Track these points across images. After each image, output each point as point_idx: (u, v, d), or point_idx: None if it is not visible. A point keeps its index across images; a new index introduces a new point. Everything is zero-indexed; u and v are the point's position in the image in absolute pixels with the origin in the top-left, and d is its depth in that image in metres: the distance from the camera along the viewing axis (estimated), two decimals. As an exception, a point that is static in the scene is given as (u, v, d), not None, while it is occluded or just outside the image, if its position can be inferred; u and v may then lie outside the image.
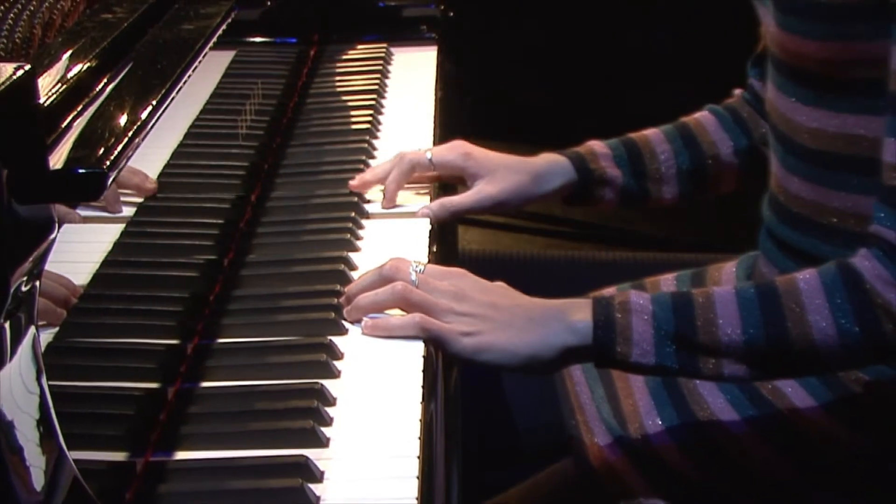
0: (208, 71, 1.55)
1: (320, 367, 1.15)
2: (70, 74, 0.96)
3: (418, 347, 1.19)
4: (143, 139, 0.99)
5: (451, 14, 2.12)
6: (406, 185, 1.51)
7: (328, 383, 1.12)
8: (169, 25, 1.24)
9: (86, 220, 1.10)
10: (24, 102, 0.81)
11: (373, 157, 1.65)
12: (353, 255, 1.37)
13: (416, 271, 1.22)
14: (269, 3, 1.93)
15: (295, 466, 0.99)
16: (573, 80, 2.48)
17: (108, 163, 0.89)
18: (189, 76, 1.16)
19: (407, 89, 1.90)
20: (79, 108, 0.92)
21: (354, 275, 1.31)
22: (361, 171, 1.57)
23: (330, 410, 1.09)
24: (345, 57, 2.03)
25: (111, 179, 0.89)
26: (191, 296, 1.23)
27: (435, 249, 1.39)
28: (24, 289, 0.82)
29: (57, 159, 0.85)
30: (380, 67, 1.97)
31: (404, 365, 1.16)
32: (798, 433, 1.31)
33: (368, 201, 1.51)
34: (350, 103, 1.83)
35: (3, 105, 0.77)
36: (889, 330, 1.15)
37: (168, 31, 1.23)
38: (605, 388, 1.41)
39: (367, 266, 1.29)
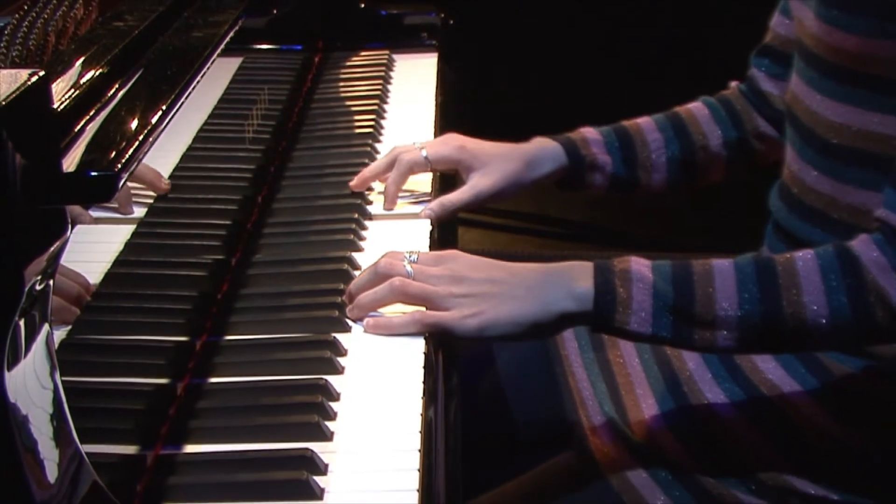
0: (216, 77, 1.55)
1: (324, 364, 1.15)
2: (83, 80, 0.96)
3: (419, 344, 1.19)
4: (153, 143, 0.99)
5: (451, 22, 2.12)
6: (406, 187, 1.51)
7: (332, 379, 1.12)
8: (178, 33, 1.24)
9: (98, 220, 1.10)
10: (39, 107, 0.81)
11: (375, 160, 1.65)
12: (356, 255, 1.37)
13: (410, 262, 1.22)
14: (275, 12, 1.93)
15: (300, 459, 0.99)
16: (570, 86, 2.48)
17: (119, 165, 0.89)
18: (198, 82, 1.16)
19: (408, 94, 1.90)
20: (91, 113, 0.92)
21: (357, 274, 1.31)
22: (365, 173, 1.58)
23: (334, 405, 1.09)
24: (348, 63, 2.03)
25: (123, 182, 0.89)
26: (199, 294, 1.23)
27: (436, 249, 1.39)
28: (38, 287, 0.82)
29: (70, 162, 0.85)
30: (382, 73, 1.97)
31: (406, 361, 1.16)
32: (785, 421, 1.31)
33: (370, 203, 1.51)
34: (353, 108, 1.83)
35: (19, 110, 0.77)
36: (880, 315, 1.15)
37: (177, 38, 1.23)
38: (607, 383, 1.41)
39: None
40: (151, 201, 1.29)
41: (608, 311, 1.18)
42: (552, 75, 2.53)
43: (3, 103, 0.76)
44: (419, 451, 1.02)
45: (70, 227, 0.86)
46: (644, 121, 1.55)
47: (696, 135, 1.54)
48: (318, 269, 1.34)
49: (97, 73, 0.98)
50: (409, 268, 1.21)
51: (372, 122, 1.76)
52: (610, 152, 1.51)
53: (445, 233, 1.45)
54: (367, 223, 1.46)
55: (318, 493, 0.96)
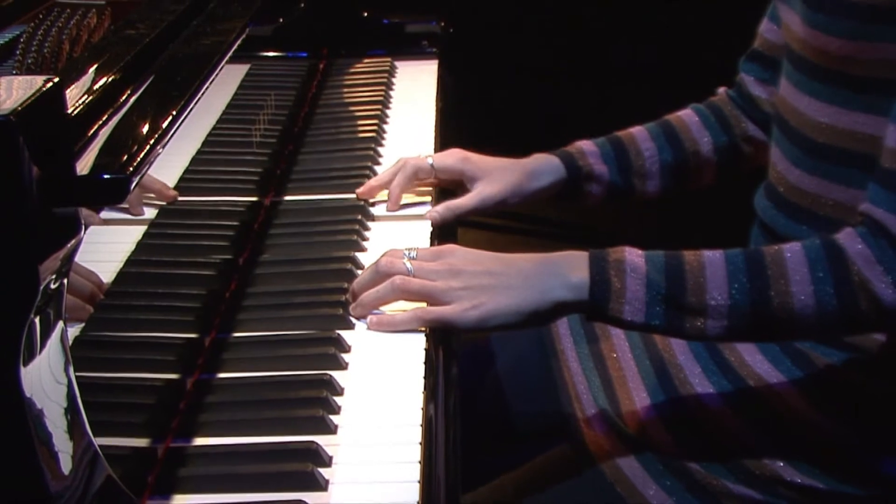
0: (224, 83, 1.55)
1: (329, 360, 1.15)
2: (96, 86, 0.96)
3: (420, 340, 1.19)
4: (163, 147, 0.99)
5: (451, 30, 2.12)
6: (409, 191, 1.51)
7: (336, 374, 1.12)
8: (188, 41, 1.24)
9: (110, 221, 1.10)
10: (53, 112, 0.81)
11: (378, 163, 1.65)
12: (359, 255, 1.37)
13: (409, 259, 1.22)
14: (281, 20, 1.93)
15: (305, 452, 1.00)
16: (566, 90, 2.48)
17: (131, 169, 0.89)
18: (206, 88, 1.16)
19: (410, 100, 1.90)
20: (104, 118, 0.92)
21: (360, 273, 1.31)
22: (367, 176, 1.58)
23: (338, 400, 1.09)
24: (352, 70, 2.03)
25: (134, 184, 0.89)
26: (208, 293, 1.23)
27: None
28: (52, 286, 0.82)
29: (84, 165, 0.85)
30: (384, 80, 1.97)
31: (407, 357, 1.16)
32: (772, 412, 1.31)
33: (373, 204, 1.51)
34: (357, 113, 1.83)
35: (34, 115, 0.77)
36: (865, 306, 1.15)
37: (187, 46, 1.23)
38: (601, 377, 1.41)
39: (373, 265, 1.29)
40: (162, 203, 1.29)
41: (603, 300, 1.18)
42: (548, 81, 2.53)
43: (19, 109, 0.76)
44: (420, 443, 1.02)
45: (83, 227, 0.86)
46: (637, 130, 1.55)
47: (688, 141, 1.54)
48: (322, 268, 1.34)
49: (110, 80, 0.98)
50: (408, 265, 1.22)
51: (374, 127, 1.76)
52: (606, 162, 1.51)
53: (445, 235, 1.45)
54: (369, 224, 1.46)
55: (323, 485, 0.96)
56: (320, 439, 1.02)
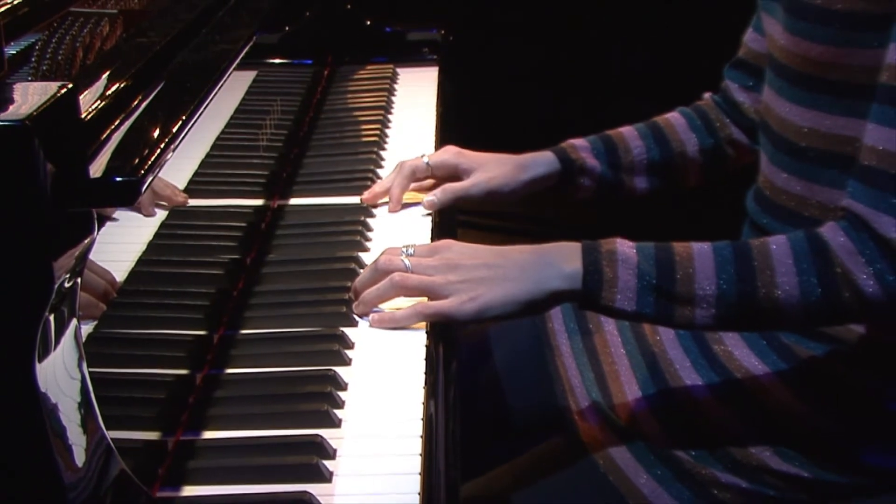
0: (233, 89, 1.55)
1: (333, 356, 1.15)
2: (108, 92, 0.96)
3: (421, 337, 1.19)
4: (174, 150, 0.99)
5: (451, 38, 2.12)
6: (408, 194, 1.51)
7: (340, 370, 1.12)
8: (197, 49, 1.24)
9: (123, 222, 1.10)
10: (67, 117, 0.81)
11: (380, 166, 1.65)
12: (362, 255, 1.37)
13: (407, 256, 1.22)
14: (287, 29, 1.93)
15: (310, 445, 1.00)
16: (561, 97, 2.48)
17: (142, 171, 0.89)
18: (215, 94, 1.16)
19: (411, 105, 1.90)
20: (116, 123, 0.92)
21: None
22: (370, 179, 1.58)
23: (342, 394, 1.09)
24: (355, 76, 2.03)
25: (145, 186, 0.89)
26: (217, 291, 1.23)
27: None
28: (66, 285, 0.82)
29: (97, 168, 0.85)
30: (387, 86, 1.97)
31: (408, 353, 1.16)
32: (758, 403, 1.31)
33: (376, 205, 1.51)
34: (360, 118, 1.83)
35: (49, 119, 0.77)
36: (847, 296, 1.15)
37: (196, 53, 1.23)
38: (594, 371, 1.41)
39: (376, 264, 1.29)
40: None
41: (595, 289, 1.18)
42: (545, 87, 2.53)
43: (35, 114, 0.76)
44: (421, 437, 1.02)
45: (96, 228, 0.86)
46: (626, 129, 1.56)
47: (675, 142, 1.55)
48: (326, 267, 1.34)
49: (122, 86, 0.98)
50: (406, 261, 1.22)
51: (377, 131, 1.76)
52: (597, 157, 1.52)
53: (445, 232, 1.45)
54: (372, 224, 1.46)
55: (328, 476, 0.96)
56: (325, 433, 1.01)
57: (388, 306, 1.23)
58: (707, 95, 1.61)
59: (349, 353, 1.16)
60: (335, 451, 1.00)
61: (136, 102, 0.99)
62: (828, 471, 1.27)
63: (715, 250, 1.19)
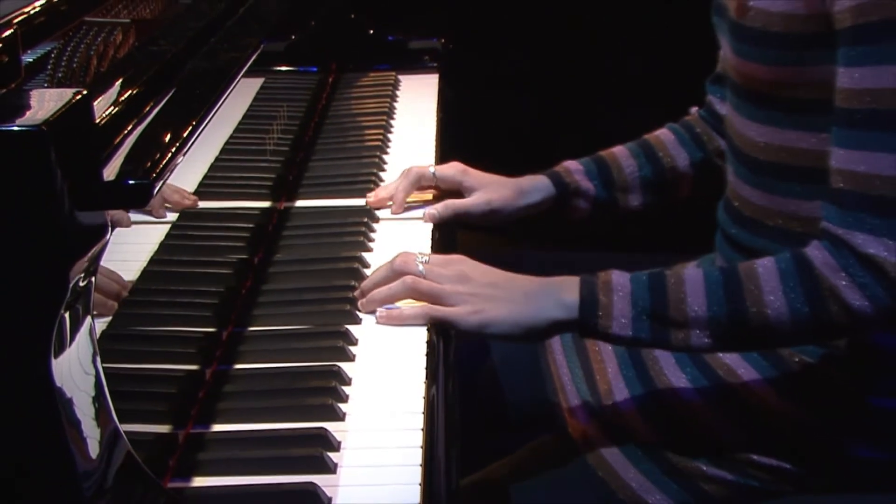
0: (241, 95, 1.55)
1: (337, 352, 1.15)
2: (121, 98, 0.96)
3: (422, 335, 1.19)
4: (184, 154, 0.99)
5: (451, 46, 2.12)
6: (411, 197, 1.51)
7: (344, 365, 1.12)
8: (207, 57, 1.24)
9: (135, 223, 1.10)
10: (82, 123, 0.81)
11: (383, 170, 1.65)
12: (366, 255, 1.37)
13: (422, 262, 1.23)
14: (293, 37, 1.93)
15: (315, 437, 1.00)
16: (557, 104, 2.48)
17: (154, 175, 0.89)
18: (224, 100, 1.16)
19: (412, 111, 1.90)
20: (129, 128, 0.92)
21: (367, 272, 1.31)
22: (374, 182, 1.58)
23: (346, 389, 1.09)
24: (359, 83, 2.03)
25: (157, 189, 0.89)
26: (225, 290, 1.23)
27: (437, 251, 1.39)
28: (81, 284, 0.82)
29: (110, 172, 0.85)
30: (389, 92, 1.97)
31: (410, 350, 1.16)
32: (741, 400, 1.31)
33: (379, 208, 1.51)
34: (363, 123, 1.83)
35: (64, 125, 0.77)
36: (834, 310, 1.15)
37: (206, 61, 1.23)
38: (584, 369, 1.42)
39: (379, 264, 1.29)
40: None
41: (592, 317, 1.19)
42: (540, 94, 2.53)
43: (50, 119, 0.76)
44: (422, 430, 1.02)
45: (110, 229, 0.86)
46: (618, 149, 1.57)
47: (665, 158, 1.55)
48: (331, 267, 1.34)
49: (134, 92, 0.98)
50: (421, 267, 1.22)
51: (380, 136, 1.76)
52: (591, 179, 1.52)
53: (445, 236, 1.45)
54: (375, 226, 1.46)
55: (332, 468, 0.96)
56: (329, 426, 1.01)
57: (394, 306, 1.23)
58: (694, 110, 1.61)
59: (353, 349, 1.16)
60: (339, 443, 1.00)
61: (147, 108, 0.99)
62: (811, 463, 1.27)
63: (705, 274, 1.20)
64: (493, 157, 1.54)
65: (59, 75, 1.08)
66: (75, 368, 0.81)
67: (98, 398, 0.84)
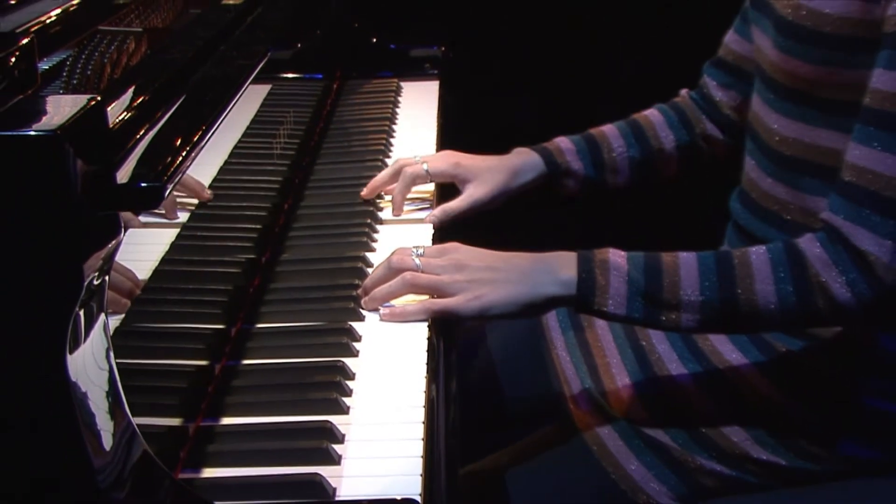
0: (249, 101, 1.54)
1: (342, 348, 1.15)
2: (134, 104, 0.96)
3: (423, 330, 1.19)
4: (194, 158, 0.99)
5: (451, 54, 2.12)
6: (410, 196, 1.51)
7: (348, 361, 1.12)
8: (216, 64, 1.24)
9: (147, 225, 1.10)
10: (96, 127, 0.81)
11: (385, 172, 1.65)
12: (369, 255, 1.37)
13: (417, 256, 1.23)
14: (299, 45, 1.93)
15: (321, 430, 1.00)
16: (553, 110, 2.48)
17: (166, 177, 0.89)
18: (233, 106, 1.16)
19: (414, 116, 1.90)
20: (141, 133, 0.92)
21: (370, 271, 1.31)
22: (376, 185, 1.58)
23: (350, 384, 1.09)
24: (362, 90, 2.03)
25: (168, 191, 0.89)
26: (234, 288, 1.23)
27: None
28: (95, 282, 0.82)
29: (123, 174, 0.85)
30: (391, 98, 1.97)
31: (412, 346, 1.16)
32: (740, 395, 1.31)
33: (381, 209, 1.51)
34: (367, 128, 1.83)
35: (79, 129, 0.77)
36: (821, 303, 1.15)
37: (215, 69, 1.23)
38: (587, 363, 1.41)
39: (381, 263, 1.29)
40: (193, 208, 1.29)
41: (589, 295, 1.19)
42: (537, 99, 2.53)
43: (66, 124, 0.76)
44: (423, 423, 1.02)
45: (123, 230, 0.86)
46: (608, 128, 1.56)
47: (653, 139, 1.55)
48: (336, 266, 1.34)
49: (146, 99, 0.98)
50: (417, 261, 1.22)
51: (382, 140, 1.76)
52: (581, 159, 1.52)
53: (445, 235, 1.45)
54: (377, 227, 1.46)
55: (336, 459, 0.96)
56: (334, 419, 1.01)
57: (396, 301, 1.23)
58: (684, 92, 1.60)
59: (356, 345, 1.16)
60: (343, 435, 1.00)
61: (159, 114, 0.99)
62: (804, 459, 1.27)
63: (699, 259, 1.19)
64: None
65: (74, 82, 1.08)
66: (90, 364, 0.81)
67: (111, 392, 0.85)
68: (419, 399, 1.06)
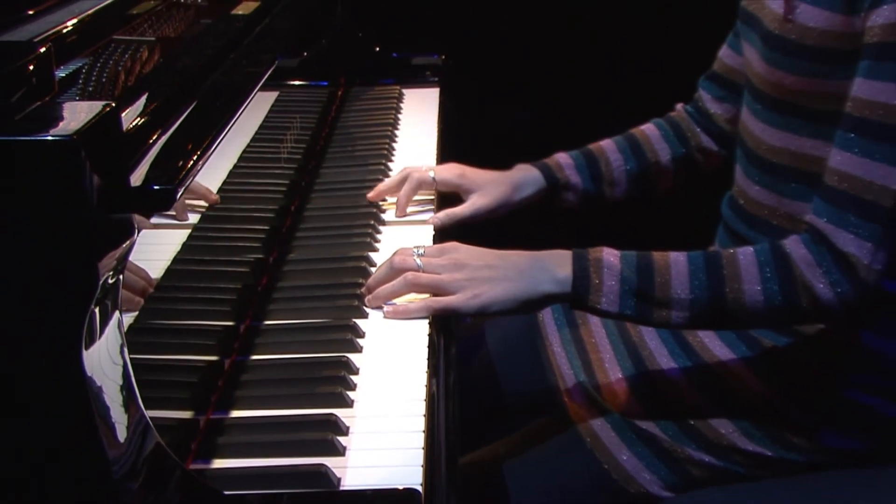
0: (257, 108, 1.54)
1: (346, 344, 1.15)
2: (147, 110, 0.96)
3: (424, 327, 1.19)
4: (205, 162, 0.99)
5: (451, 62, 2.12)
6: (413, 199, 1.51)
7: (352, 356, 1.12)
8: (226, 72, 1.24)
9: (159, 226, 1.10)
10: (111, 133, 0.81)
11: (388, 176, 1.64)
12: (372, 255, 1.37)
13: (418, 256, 1.23)
14: (305, 54, 1.93)
15: (326, 423, 1.00)
16: (548, 115, 2.48)
17: (177, 181, 0.89)
18: (242, 112, 1.16)
19: (415, 122, 1.90)
20: (154, 138, 0.92)
21: (373, 270, 1.31)
22: (379, 187, 1.58)
23: (354, 378, 1.08)
24: (366, 96, 2.03)
25: (180, 194, 0.89)
26: (243, 286, 1.23)
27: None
28: (110, 281, 0.82)
29: (137, 178, 0.85)
30: (393, 105, 1.97)
31: (414, 342, 1.16)
32: (728, 389, 1.31)
33: (384, 211, 1.51)
34: (370, 133, 1.83)
35: (94, 135, 0.77)
36: (805, 302, 1.15)
37: (225, 76, 1.22)
38: (581, 358, 1.41)
39: (384, 263, 1.29)
40: (204, 210, 1.29)
41: (583, 293, 1.19)
42: (534, 105, 2.53)
43: (82, 129, 0.76)
44: (424, 415, 1.02)
45: (136, 231, 0.86)
46: (605, 143, 1.56)
47: (650, 152, 1.55)
48: (340, 266, 1.34)
49: (159, 105, 0.98)
50: (418, 261, 1.22)
51: (385, 145, 1.76)
52: (580, 173, 1.52)
53: (445, 237, 1.45)
54: (381, 228, 1.46)
55: (341, 451, 0.96)
56: (339, 412, 1.01)
57: (398, 300, 1.23)
58: (679, 106, 1.60)
59: (360, 341, 1.16)
60: (348, 428, 1.00)
61: (171, 120, 0.99)
62: (789, 450, 1.27)
63: (689, 259, 1.19)
64: (489, 164, 1.54)
65: (90, 89, 1.08)
66: (104, 359, 0.81)
67: (125, 386, 0.84)
68: (420, 393, 1.06)
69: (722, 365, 1.33)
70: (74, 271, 0.78)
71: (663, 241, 1.31)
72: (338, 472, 0.93)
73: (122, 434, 0.82)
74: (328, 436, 0.97)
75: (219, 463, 0.96)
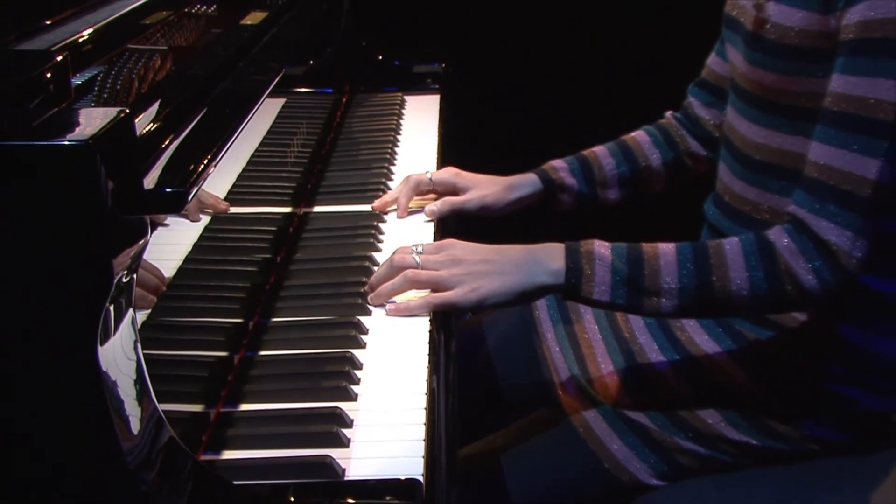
0: (265, 114, 1.54)
1: (350, 340, 1.15)
2: (160, 116, 0.96)
3: (425, 324, 1.19)
4: (216, 166, 0.99)
5: (451, 70, 2.12)
6: (414, 203, 1.51)
7: (356, 352, 1.12)
8: (235, 80, 1.24)
9: (172, 226, 1.10)
10: (125, 138, 0.81)
11: (390, 179, 1.65)
12: (375, 254, 1.36)
13: (417, 254, 1.23)
14: (311, 63, 1.93)
15: (331, 415, 0.99)
16: (546, 120, 2.48)
17: (188, 183, 0.89)
18: (250, 118, 1.16)
19: (417, 127, 1.90)
20: (166, 142, 0.92)
21: (376, 269, 1.31)
22: (382, 190, 1.58)
23: (358, 373, 1.08)
24: (369, 103, 2.03)
25: (191, 196, 0.89)
26: (251, 285, 1.23)
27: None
28: (124, 280, 0.82)
29: (150, 181, 0.85)
30: (396, 111, 1.97)
31: (415, 338, 1.16)
32: (714, 381, 1.31)
33: (386, 212, 1.51)
34: (373, 138, 1.83)
35: (109, 139, 0.77)
36: (790, 290, 1.15)
37: (235, 84, 1.22)
38: (575, 352, 1.42)
39: (386, 263, 1.29)
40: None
41: (576, 284, 1.19)
42: (532, 111, 2.53)
43: (97, 134, 0.76)
44: (425, 409, 1.02)
45: (150, 231, 0.86)
46: (599, 149, 1.56)
47: (641, 158, 1.55)
48: (344, 265, 1.34)
49: (171, 111, 0.98)
50: (417, 258, 1.22)
51: (388, 149, 1.76)
52: (574, 175, 1.52)
53: (445, 236, 1.45)
54: (383, 227, 1.46)
55: (346, 443, 0.96)
56: (343, 405, 1.01)
57: (399, 298, 1.23)
58: (668, 114, 1.61)
59: (364, 337, 1.16)
60: (352, 420, 1.00)
61: (183, 125, 0.99)
62: (774, 440, 1.27)
63: (678, 249, 1.20)
64: (488, 168, 1.54)
65: (105, 96, 1.08)
66: (119, 355, 0.81)
67: (139, 381, 0.84)
68: (421, 387, 1.06)
69: (709, 358, 1.33)
70: (90, 270, 0.78)
71: (651, 241, 1.30)
72: (342, 463, 0.93)
73: (135, 427, 0.82)
74: (333, 428, 0.97)
75: (228, 454, 0.96)
